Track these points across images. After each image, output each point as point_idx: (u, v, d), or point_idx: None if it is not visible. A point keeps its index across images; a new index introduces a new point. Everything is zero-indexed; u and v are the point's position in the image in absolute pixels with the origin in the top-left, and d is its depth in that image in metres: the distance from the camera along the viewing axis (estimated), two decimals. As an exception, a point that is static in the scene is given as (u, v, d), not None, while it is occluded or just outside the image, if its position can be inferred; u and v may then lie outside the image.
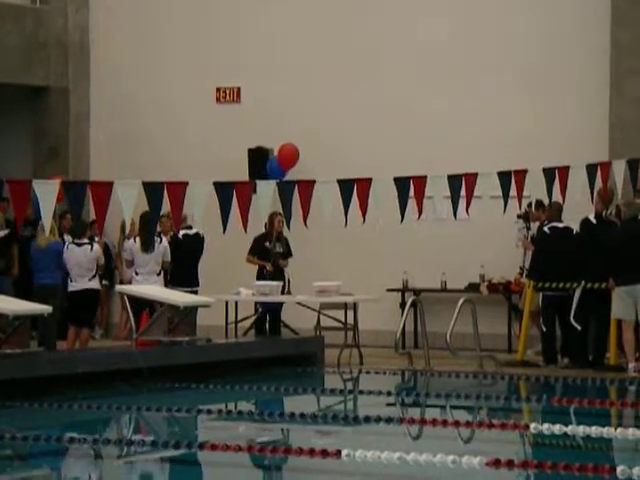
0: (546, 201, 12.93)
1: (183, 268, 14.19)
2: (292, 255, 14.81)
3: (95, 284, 13.35)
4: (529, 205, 14.00)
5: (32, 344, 11.45)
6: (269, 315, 14.75)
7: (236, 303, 14.73)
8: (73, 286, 13.32)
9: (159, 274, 13.82)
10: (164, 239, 13.89)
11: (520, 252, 14.45)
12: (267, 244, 14.62)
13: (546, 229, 13.45)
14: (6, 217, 14.36)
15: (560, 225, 13.40)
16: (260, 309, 14.69)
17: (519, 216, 14.17)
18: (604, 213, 13.10)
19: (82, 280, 13.26)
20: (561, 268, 13.14)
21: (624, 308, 12.49)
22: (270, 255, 14.60)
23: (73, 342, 13.49)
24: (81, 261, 13.27)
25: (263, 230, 14.66)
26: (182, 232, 14.04)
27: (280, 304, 14.48)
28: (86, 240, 13.41)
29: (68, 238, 14.58)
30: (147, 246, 13.66)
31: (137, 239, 13.79)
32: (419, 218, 11.78)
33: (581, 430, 8.60)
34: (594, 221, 13.08)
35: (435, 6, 15.65)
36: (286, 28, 16.22)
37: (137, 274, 13.74)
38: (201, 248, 14.42)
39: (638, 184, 12.25)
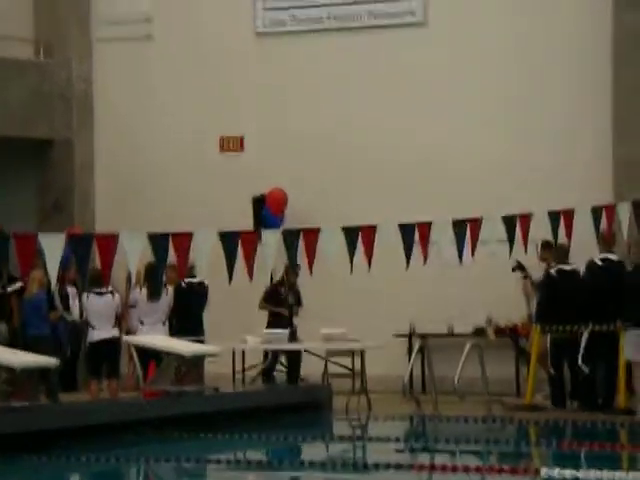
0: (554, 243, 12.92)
1: (188, 317, 14.19)
2: (302, 304, 14.86)
3: (117, 332, 13.39)
4: (537, 247, 13.98)
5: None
6: (288, 363, 14.73)
7: (243, 351, 14.71)
8: (96, 335, 13.32)
9: (164, 324, 13.83)
10: (170, 289, 13.91)
11: (523, 299, 14.43)
12: (282, 292, 14.67)
13: (553, 272, 13.44)
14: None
15: (567, 268, 13.39)
16: (270, 357, 14.68)
17: (513, 269, 14.13)
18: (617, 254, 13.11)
19: (104, 329, 13.30)
20: (568, 311, 13.12)
21: (635, 350, 12.43)
22: (284, 304, 14.65)
23: (97, 394, 13.42)
24: (102, 310, 13.34)
25: (269, 278, 14.68)
26: (186, 281, 14.05)
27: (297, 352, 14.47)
28: (105, 289, 13.48)
29: (72, 290, 14.61)
30: (154, 295, 13.69)
31: (143, 289, 13.81)
32: (425, 263, 11.78)
33: (592, 474, 8.55)
34: (599, 263, 13.08)
35: (434, 51, 15.77)
36: (289, 76, 16.33)
37: (142, 324, 13.75)
38: (205, 297, 14.42)
39: None
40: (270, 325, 14.61)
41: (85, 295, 13.51)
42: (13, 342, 13.70)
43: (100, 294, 13.40)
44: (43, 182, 17.16)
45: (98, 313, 13.36)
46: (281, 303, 14.72)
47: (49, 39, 17.11)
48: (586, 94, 15.19)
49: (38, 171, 17.19)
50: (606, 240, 12.89)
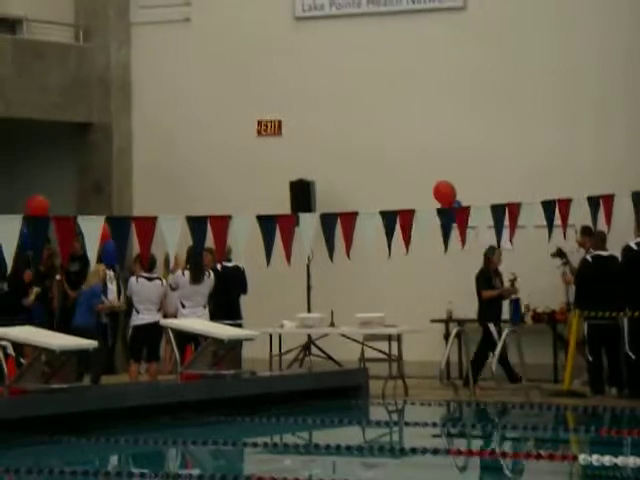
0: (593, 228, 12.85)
1: (225, 301, 14.23)
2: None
3: (160, 317, 13.48)
4: (576, 232, 13.90)
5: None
6: None
7: (280, 336, 14.73)
8: (141, 319, 13.45)
9: (205, 307, 13.90)
10: (211, 272, 13.96)
11: (563, 285, 14.35)
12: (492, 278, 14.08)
13: (589, 257, 13.37)
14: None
15: (604, 254, 13.31)
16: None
17: (553, 255, 14.06)
18: None
19: (150, 314, 13.42)
20: (606, 296, 13.04)
21: None
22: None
23: (136, 377, 13.55)
24: (151, 295, 13.46)
25: (306, 262, 14.63)
26: (222, 264, 14.08)
27: None
28: (155, 275, 13.57)
29: (109, 272, 14.66)
30: (197, 278, 13.76)
31: (185, 272, 13.88)
32: (462, 248, 11.74)
33: (631, 461, 8.49)
34: (635, 248, 12.98)
35: (463, 37, 15.68)
36: (325, 57, 16.29)
37: (184, 307, 13.82)
38: (242, 281, 14.43)
39: None
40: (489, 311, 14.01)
41: (134, 279, 13.60)
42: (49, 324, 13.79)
43: (150, 279, 13.52)
44: (82, 165, 17.26)
45: (146, 297, 13.48)
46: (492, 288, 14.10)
47: (88, 24, 17.18)
48: (619, 77, 15.05)
49: (77, 154, 17.29)
50: None
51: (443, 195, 14.02)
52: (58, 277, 14.71)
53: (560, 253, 14.05)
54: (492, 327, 13.58)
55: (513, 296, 14.02)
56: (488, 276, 13.95)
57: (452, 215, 11.55)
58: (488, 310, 13.83)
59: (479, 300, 13.91)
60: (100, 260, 12.97)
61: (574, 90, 15.27)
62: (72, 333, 13.03)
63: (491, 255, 13.81)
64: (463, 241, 11.64)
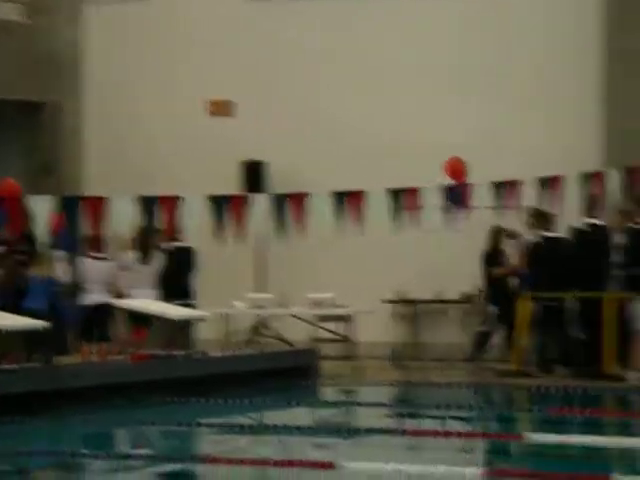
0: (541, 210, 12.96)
1: (177, 282, 14.20)
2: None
3: (109, 297, 13.43)
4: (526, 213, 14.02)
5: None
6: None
7: (231, 316, 14.74)
8: (90, 299, 13.37)
9: (153, 287, 13.85)
10: (160, 254, 13.92)
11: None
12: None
13: (537, 239, 13.51)
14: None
15: (551, 235, 13.44)
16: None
17: (506, 236, 14.18)
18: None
19: (99, 294, 13.36)
20: (553, 278, 13.18)
21: None
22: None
23: (88, 357, 13.50)
24: (99, 275, 13.38)
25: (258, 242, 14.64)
26: (174, 245, 14.05)
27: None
28: (104, 254, 13.53)
29: (60, 253, 14.58)
30: (144, 259, 13.70)
31: (133, 253, 13.82)
32: (413, 229, 11.80)
33: (577, 440, 8.61)
34: (584, 228, 13.12)
35: (429, 24, 15.72)
36: (278, 38, 16.27)
37: (132, 287, 13.75)
38: (193, 261, 14.41)
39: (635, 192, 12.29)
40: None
41: (82, 259, 13.52)
42: None
43: (98, 259, 13.45)
44: (32, 145, 17.12)
45: (95, 277, 13.40)
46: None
47: (38, 1, 17.00)
48: (573, 59, 15.18)
49: (27, 134, 17.14)
50: (593, 205, 12.93)
51: (454, 171, 13.84)
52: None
53: (512, 235, 14.17)
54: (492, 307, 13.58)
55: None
56: (494, 255, 13.98)
57: (402, 196, 11.60)
58: (497, 288, 13.83)
59: (488, 279, 13.83)
60: (55, 247, 12.89)
61: (524, 73, 15.37)
62: (24, 315, 13.02)
63: (498, 235, 13.84)
64: (413, 222, 11.70)
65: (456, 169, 13.59)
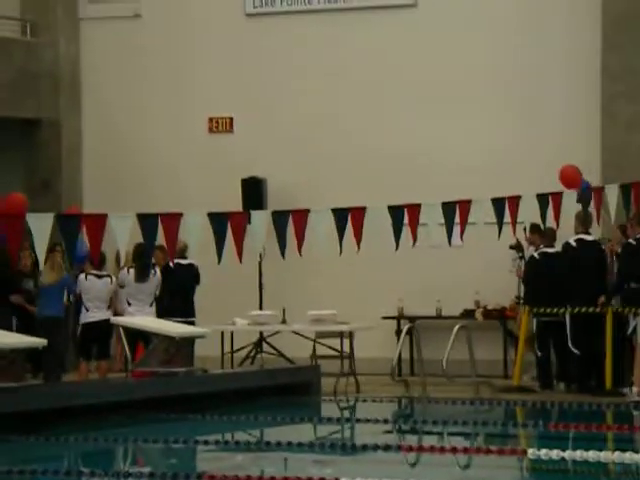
0: (542, 226, 12.97)
1: (177, 298, 14.18)
2: None
3: (110, 315, 13.41)
4: (524, 229, 14.04)
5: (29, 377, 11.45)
6: None
7: (232, 333, 14.72)
8: (90, 317, 13.37)
9: (151, 305, 13.84)
10: (157, 270, 13.90)
11: (515, 280, 14.48)
12: None
13: (535, 254, 13.53)
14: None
15: (550, 250, 13.45)
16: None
17: (511, 247, 14.20)
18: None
19: (99, 312, 13.36)
20: (552, 293, 13.18)
21: None
22: None
23: (86, 375, 13.51)
24: (99, 293, 13.38)
25: (258, 259, 14.64)
26: (175, 262, 14.03)
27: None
28: (105, 272, 13.51)
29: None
30: (142, 277, 13.69)
31: (131, 270, 13.81)
32: (413, 246, 11.79)
33: (578, 455, 8.59)
34: (574, 244, 13.13)
35: (424, 35, 15.75)
36: (278, 55, 16.30)
37: (130, 305, 13.75)
38: (195, 278, 14.40)
39: (634, 208, 12.29)
40: None
41: (83, 276, 13.52)
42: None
43: (99, 277, 13.45)
44: (30, 162, 17.11)
45: (95, 295, 13.40)
46: None
47: (36, 18, 17.03)
48: (576, 77, 15.20)
49: (25, 151, 17.14)
50: (583, 220, 12.94)
51: (569, 179, 13.72)
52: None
53: (518, 246, 14.20)
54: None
55: None
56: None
57: (403, 213, 11.59)
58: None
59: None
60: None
61: (524, 89, 15.39)
62: (42, 324, 13.24)
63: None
64: (414, 239, 11.69)
65: (570, 177, 13.58)
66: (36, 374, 14.09)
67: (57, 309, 13.59)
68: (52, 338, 13.33)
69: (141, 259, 13.41)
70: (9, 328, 13.06)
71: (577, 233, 13.12)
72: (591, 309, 12.82)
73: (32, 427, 10.17)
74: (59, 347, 13.59)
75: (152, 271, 13.81)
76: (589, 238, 13.15)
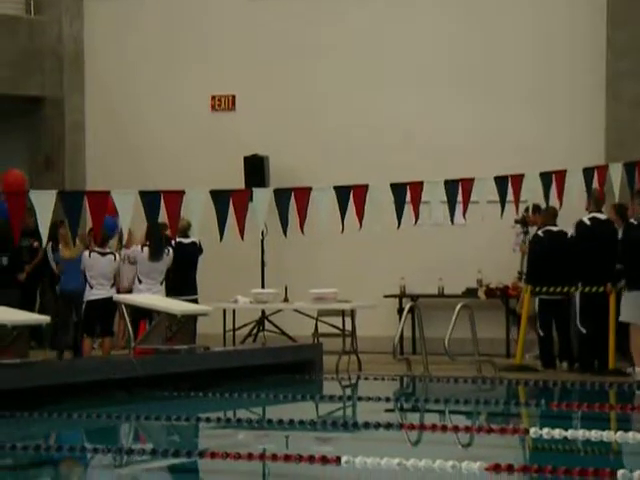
0: (543, 205, 12.95)
1: (179, 276, 14.19)
2: None
3: (114, 292, 13.44)
4: (526, 210, 14.03)
5: (31, 354, 11.48)
6: None
7: (234, 311, 14.73)
8: (94, 294, 13.41)
9: (162, 283, 13.85)
10: (170, 250, 13.89)
11: (518, 257, 14.48)
12: None
13: (540, 233, 13.50)
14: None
15: (554, 229, 13.43)
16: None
17: (517, 221, 14.21)
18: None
19: (103, 289, 13.38)
20: (556, 272, 13.16)
21: (634, 312, 12.41)
22: None
23: (90, 352, 13.58)
24: (105, 270, 13.41)
25: (260, 237, 14.64)
26: (177, 240, 14.03)
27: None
28: (108, 250, 13.53)
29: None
30: (156, 255, 13.70)
31: (145, 248, 13.81)
32: (415, 224, 11.78)
33: (581, 434, 8.60)
34: (588, 223, 13.10)
35: (430, 13, 15.69)
36: (280, 33, 16.25)
37: (140, 282, 13.76)
38: (197, 256, 14.40)
39: (637, 186, 12.26)
40: None
41: (86, 254, 13.54)
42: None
43: (103, 254, 13.46)
44: (33, 140, 17.11)
45: (99, 272, 13.43)
46: None
47: (39, -4, 17.01)
48: (581, 55, 15.14)
49: (29, 129, 17.13)
50: (597, 200, 12.91)
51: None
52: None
53: (523, 221, 14.18)
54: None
55: None
56: None
57: (405, 191, 11.58)
58: None
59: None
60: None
61: (526, 66, 15.34)
62: (64, 298, 13.71)
63: None
64: (416, 217, 11.68)
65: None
66: (40, 350, 14.22)
67: (76, 283, 13.67)
68: (72, 312, 13.58)
69: (155, 238, 13.45)
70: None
71: (590, 212, 13.08)
72: (602, 288, 12.78)
73: (35, 403, 10.20)
74: (78, 321, 13.80)
75: (166, 250, 13.82)
76: (603, 217, 13.12)
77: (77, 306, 13.73)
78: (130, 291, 13.87)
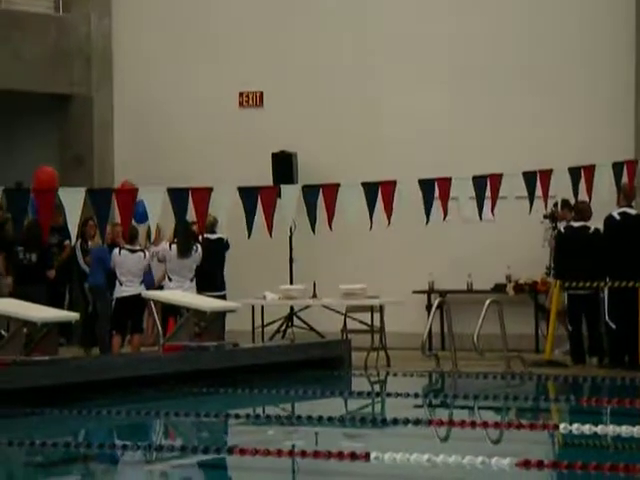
0: (572, 200, 12.89)
1: (207, 273, 14.22)
2: None
3: (143, 289, 13.52)
4: (555, 205, 13.97)
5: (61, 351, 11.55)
6: None
7: (262, 307, 14.75)
8: (124, 291, 13.49)
9: (192, 280, 13.89)
10: (199, 247, 13.93)
11: (547, 252, 14.43)
12: None
13: (561, 228, 13.46)
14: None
15: (575, 224, 13.33)
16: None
17: (545, 216, 14.15)
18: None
19: (133, 286, 13.46)
20: (584, 267, 13.09)
21: None
22: None
23: (119, 349, 13.68)
24: (134, 268, 13.49)
25: (288, 233, 14.64)
26: (204, 237, 14.06)
27: None
28: (138, 247, 13.63)
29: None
30: (185, 252, 13.75)
31: (173, 245, 13.86)
32: (444, 220, 11.75)
33: (611, 430, 8.55)
34: (617, 217, 13.02)
35: (464, 13, 15.62)
36: (309, 32, 16.24)
37: (170, 280, 13.81)
38: (224, 252, 14.42)
39: None
40: None
41: (116, 251, 13.62)
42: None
43: (132, 251, 13.53)
44: (63, 137, 17.19)
45: (129, 269, 13.50)
46: None
47: (68, -6, 17.08)
48: (608, 50, 15.05)
49: (58, 126, 17.21)
50: (627, 194, 12.83)
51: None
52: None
53: (552, 216, 14.13)
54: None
55: None
56: None
57: (433, 187, 11.56)
58: None
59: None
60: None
61: (558, 60, 15.26)
62: (90, 291, 14.15)
63: None
64: (445, 213, 11.65)
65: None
66: (70, 346, 14.34)
67: (95, 279, 13.98)
68: (96, 307, 13.73)
69: (185, 235, 13.52)
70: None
71: (620, 207, 13.00)
72: (631, 283, 12.71)
73: (65, 400, 10.25)
74: (102, 315, 13.93)
75: (194, 247, 13.85)
76: (633, 212, 13.04)
77: (98, 301, 13.97)
78: (159, 288, 13.92)
